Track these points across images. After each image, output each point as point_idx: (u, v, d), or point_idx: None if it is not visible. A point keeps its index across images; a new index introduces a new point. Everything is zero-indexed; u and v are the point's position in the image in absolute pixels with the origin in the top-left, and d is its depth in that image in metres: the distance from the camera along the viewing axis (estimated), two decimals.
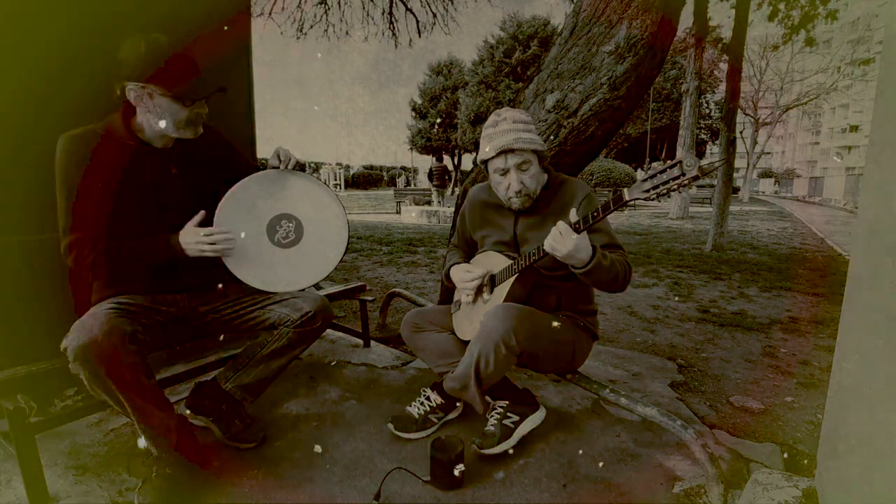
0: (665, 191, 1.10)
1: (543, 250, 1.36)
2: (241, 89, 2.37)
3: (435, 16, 8.45)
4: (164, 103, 1.32)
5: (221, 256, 1.44)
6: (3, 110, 1.59)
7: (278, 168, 1.51)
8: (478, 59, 28.87)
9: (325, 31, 8.69)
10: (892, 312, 0.92)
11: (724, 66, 15.32)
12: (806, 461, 1.64)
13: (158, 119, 1.34)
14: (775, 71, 23.62)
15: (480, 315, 1.51)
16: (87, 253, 1.32)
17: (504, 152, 1.44)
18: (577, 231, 1.25)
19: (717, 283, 4.61)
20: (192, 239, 1.38)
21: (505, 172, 1.48)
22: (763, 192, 41.03)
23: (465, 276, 1.60)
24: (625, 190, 1.18)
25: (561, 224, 1.26)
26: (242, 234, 1.47)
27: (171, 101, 1.32)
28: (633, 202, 1.18)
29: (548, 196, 1.55)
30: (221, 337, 2.12)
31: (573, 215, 1.27)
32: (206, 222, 1.43)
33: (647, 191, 1.13)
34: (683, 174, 1.06)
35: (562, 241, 1.25)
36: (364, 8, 8.46)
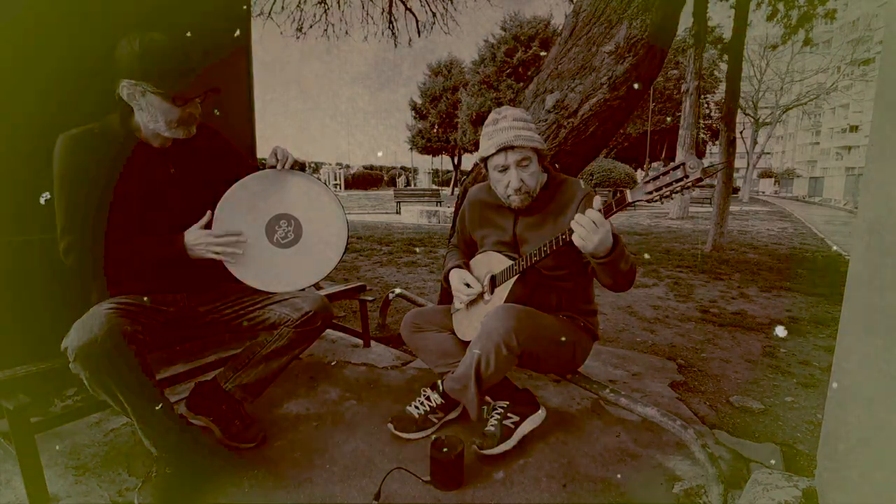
0: (668, 193, 1.08)
1: (546, 251, 1.36)
2: (241, 89, 2.37)
3: (434, 15, 8.47)
4: (156, 102, 1.31)
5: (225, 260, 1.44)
6: (3, 110, 1.59)
7: (276, 168, 1.51)
8: (478, 59, 28.83)
9: (325, 30, 8.71)
10: (892, 312, 0.92)
11: (724, 66, 15.31)
12: (806, 461, 1.64)
13: (150, 118, 1.33)
14: (775, 71, 23.60)
15: (481, 316, 1.51)
16: (87, 255, 1.32)
17: (504, 149, 1.44)
18: (606, 217, 1.21)
19: (717, 283, 4.61)
20: (202, 241, 1.38)
21: (505, 169, 1.48)
22: (763, 192, 40.99)
23: (461, 287, 1.61)
24: (627, 191, 1.17)
25: (591, 213, 1.20)
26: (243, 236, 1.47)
27: (162, 99, 1.31)
28: (634, 204, 1.17)
29: (547, 196, 1.55)
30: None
31: (598, 203, 1.22)
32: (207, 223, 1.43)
33: (651, 192, 1.12)
34: (687, 176, 1.06)
35: (595, 230, 1.20)
36: (364, 7, 8.48)
